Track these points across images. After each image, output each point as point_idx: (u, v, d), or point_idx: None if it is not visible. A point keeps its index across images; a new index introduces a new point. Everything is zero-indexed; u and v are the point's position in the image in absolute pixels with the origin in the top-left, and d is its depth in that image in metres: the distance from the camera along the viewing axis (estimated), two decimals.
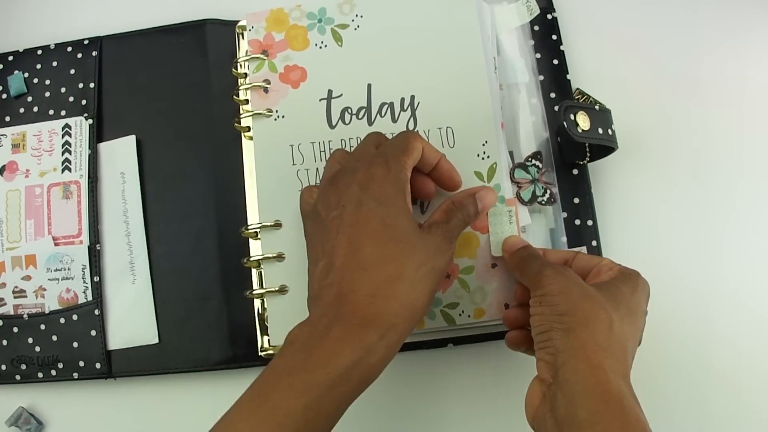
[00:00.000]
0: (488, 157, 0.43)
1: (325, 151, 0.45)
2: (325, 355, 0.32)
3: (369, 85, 0.45)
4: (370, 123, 0.45)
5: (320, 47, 0.46)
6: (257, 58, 0.46)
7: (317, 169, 0.44)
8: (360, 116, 0.45)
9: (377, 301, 0.33)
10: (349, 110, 0.45)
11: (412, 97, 0.45)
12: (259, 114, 0.46)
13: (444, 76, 0.45)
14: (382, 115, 0.45)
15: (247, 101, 0.47)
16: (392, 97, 0.45)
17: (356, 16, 0.46)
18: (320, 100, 0.46)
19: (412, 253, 0.34)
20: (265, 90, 0.46)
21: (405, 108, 0.45)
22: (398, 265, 0.34)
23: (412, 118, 0.45)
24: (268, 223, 0.44)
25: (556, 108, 0.46)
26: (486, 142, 0.44)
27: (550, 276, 0.35)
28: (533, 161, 0.46)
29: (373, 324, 0.33)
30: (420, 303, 0.34)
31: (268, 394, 0.32)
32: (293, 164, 0.45)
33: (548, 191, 0.46)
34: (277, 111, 0.46)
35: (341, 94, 0.45)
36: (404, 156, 0.37)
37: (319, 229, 0.36)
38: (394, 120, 0.45)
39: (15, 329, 0.47)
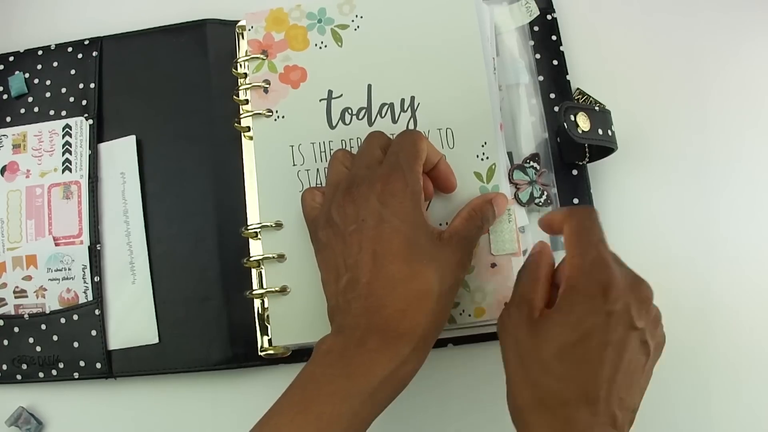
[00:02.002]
0: (487, 158, 0.43)
1: (325, 151, 0.45)
2: (365, 365, 0.34)
3: (369, 86, 0.45)
4: (371, 123, 0.45)
5: (320, 47, 0.46)
6: (257, 58, 0.46)
7: (317, 169, 0.45)
8: (360, 117, 0.45)
9: (408, 316, 0.35)
10: (350, 110, 0.45)
11: (412, 98, 0.45)
12: (259, 114, 0.46)
13: (444, 77, 0.45)
14: (383, 115, 0.45)
15: (247, 101, 0.47)
16: (392, 98, 0.45)
17: (356, 16, 0.46)
18: (320, 100, 0.46)
19: (436, 269, 0.35)
20: (265, 90, 0.46)
21: (405, 109, 0.45)
22: (425, 282, 0.35)
23: (412, 119, 0.45)
24: (269, 224, 0.44)
25: (556, 109, 0.46)
26: (485, 143, 0.44)
27: (498, 330, 0.36)
28: (531, 163, 0.46)
29: (405, 337, 0.34)
30: (445, 315, 0.37)
31: (311, 400, 0.33)
32: (293, 165, 0.45)
33: (545, 193, 0.46)
34: (277, 111, 0.46)
35: (341, 95, 0.45)
36: (417, 164, 0.37)
37: (337, 241, 0.37)
38: (394, 120, 0.45)
39: (16, 329, 0.48)
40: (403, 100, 0.45)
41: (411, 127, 0.45)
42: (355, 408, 0.33)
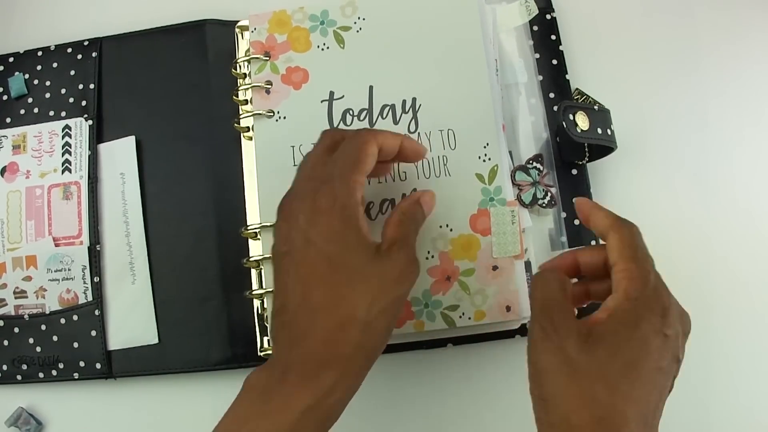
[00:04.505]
0: (489, 159, 0.43)
1: None
2: (283, 400, 0.32)
3: (371, 87, 0.45)
4: (372, 124, 0.45)
5: (322, 49, 0.46)
6: (259, 59, 0.46)
7: None
8: (361, 118, 0.45)
9: (330, 347, 0.32)
10: (351, 112, 0.45)
11: (414, 99, 0.45)
12: (261, 115, 0.46)
13: (446, 78, 0.45)
14: (384, 116, 0.45)
15: (246, 101, 0.47)
16: (394, 99, 0.45)
17: (358, 18, 0.46)
18: (322, 101, 0.46)
19: (365, 291, 0.33)
20: (267, 91, 0.46)
21: (406, 110, 0.45)
22: (349, 307, 0.32)
23: (413, 120, 0.45)
24: (270, 224, 0.44)
25: (555, 108, 0.46)
26: (487, 144, 0.44)
27: (534, 342, 0.33)
28: (534, 164, 0.46)
29: (328, 367, 0.32)
30: (376, 342, 0.34)
31: None
32: (294, 165, 0.45)
33: (549, 194, 0.46)
34: (278, 112, 0.46)
35: (343, 96, 0.45)
36: (355, 173, 0.34)
37: (274, 263, 0.35)
38: (395, 122, 0.45)
39: (16, 329, 0.48)
40: (404, 102, 0.45)
41: (412, 128, 0.45)
42: None
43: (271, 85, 0.46)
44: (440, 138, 0.44)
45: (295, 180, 0.36)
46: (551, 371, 0.31)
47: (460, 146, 0.44)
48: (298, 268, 0.33)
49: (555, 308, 0.33)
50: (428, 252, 0.43)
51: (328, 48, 0.46)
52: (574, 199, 0.39)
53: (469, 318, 0.42)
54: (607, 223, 0.35)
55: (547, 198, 0.45)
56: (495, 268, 0.42)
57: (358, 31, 0.46)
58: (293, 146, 0.45)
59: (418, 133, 0.44)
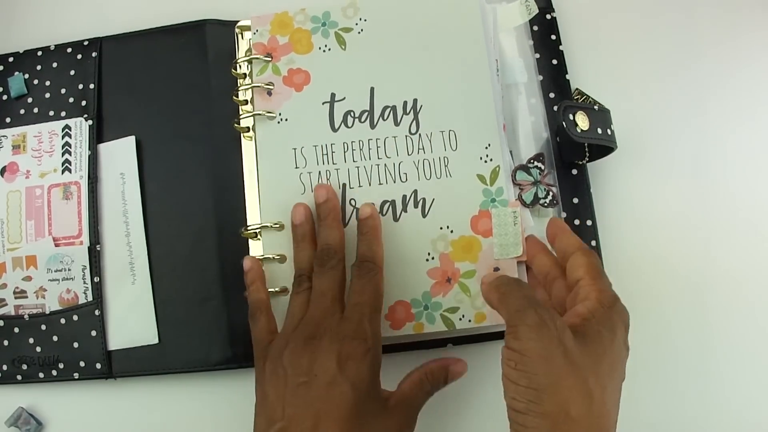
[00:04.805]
0: (491, 160, 0.43)
1: (327, 154, 0.45)
2: None
3: (372, 89, 0.45)
4: (373, 126, 0.45)
5: (324, 51, 0.46)
6: (261, 60, 0.46)
7: (319, 172, 0.45)
8: (363, 119, 0.45)
9: None
10: (352, 113, 0.45)
11: (415, 101, 0.45)
12: (263, 117, 0.46)
13: (447, 79, 0.45)
14: (385, 118, 0.45)
15: (246, 102, 0.47)
16: (395, 101, 0.45)
17: (360, 19, 0.46)
18: (323, 103, 0.46)
19: None
20: (269, 93, 0.46)
21: (407, 111, 0.45)
22: None
23: (414, 122, 0.45)
24: (271, 225, 0.44)
25: (555, 108, 0.46)
26: (489, 145, 0.44)
27: (531, 328, 0.32)
28: (535, 163, 0.46)
29: None
30: None
31: None
32: (296, 167, 0.45)
33: (550, 193, 0.45)
34: (280, 114, 0.46)
35: (344, 98, 0.45)
36: (378, 316, 0.38)
37: (280, 385, 0.36)
38: (396, 123, 0.45)
39: (16, 329, 0.48)
40: (405, 103, 0.45)
41: (413, 129, 0.44)
42: None
43: (273, 86, 0.46)
44: (441, 139, 0.44)
45: (309, 313, 0.38)
46: (549, 359, 0.31)
47: (461, 147, 0.44)
48: (314, 403, 0.34)
49: (540, 303, 0.33)
50: (428, 254, 0.43)
51: (329, 49, 0.46)
52: (550, 219, 0.41)
53: (470, 320, 0.42)
54: (576, 244, 0.37)
55: (549, 197, 0.45)
56: (496, 269, 0.42)
57: (359, 33, 0.46)
58: (294, 148, 0.45)
59: (419, 134, 0.44)
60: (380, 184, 0.44)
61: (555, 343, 0.31)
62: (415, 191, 0.44)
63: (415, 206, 0.43)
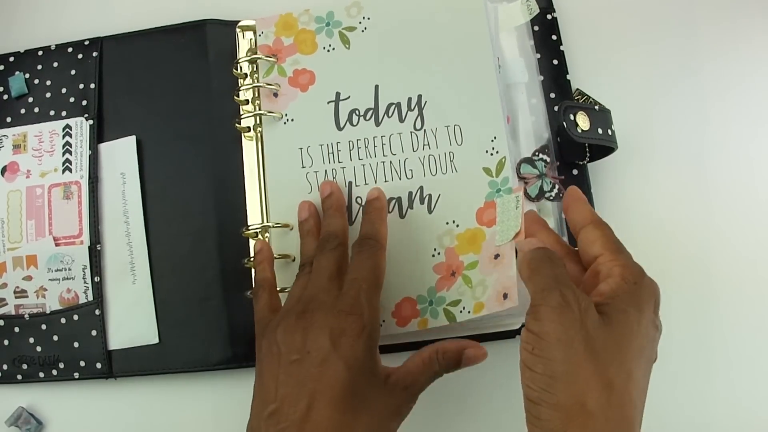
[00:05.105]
0: (497, 152, 0.43)
1: (333, 153, 0.45)
2: None
3: (376, 87, 0.45)
4: (378, 124, 0.45)
5: (328, 50, 0.46)
6: (266, 61, 0.46)
7: (325, 171, 0.45)
8: (368, 117, 0.45)
9: None
10: (357, 112, 0.45)
11: (419, 96, 0.45)
12: (269, 118, 0.46)
13: (452, 74, 0.45)
14: (390, 115, 0.45)
15: (247, 101, 0.47)
16: (399, 97, 0.45)
17: (363, 18, 0.46)
18: (328, 102, 0.46)
19: (369, 421, 0.33)
20: (275, 94, 0.46)
21: (412, 107, 0.45)
22: None
23: (419, 118, 0.45)
24: (273, 225, 0.44)
25: (556, 108, 0.46)
26: (495, 138, 0.43)
27: (553, 309, 0.29)
28: (540, 155, 0.45)
29: None
30: None
31: None
32: (302, 167, 0.45)
33: (556, 186, 0.45)
34: (286, 115, 0.46)
35: (349, 96, 0.46)
36: (377, 293, 0.36)
37: (274, 363, 0.35)
38: (401, 120, 0.45)
39: (16, 329, 0.48)
40: (410, 99, 0.45)
41: (418, 125, 0.44)
42: None
43: (279, 87, 0.46)
44: (446, 134, 0.44)
45: (306, 291, 0.37)
46: (568, 344, 0.28)
47: (466, 141, 0.44)
48: (307, 382, 0.33)
49: (567, 280, 0.31)
50: (434, 249, 0.43)
51: (333, 49, 0.46)
52: (569, 187, 0.38)
53: (468, 312, 0.41)
54: (588, 216, 0.35)
55: (555, 190, 0.45)
56: (496, 256, 0.41)
57: (363, 31, 0.46)
58: (301, 148, 0.45)
59: (424, 130, 0.44)
60: (386, 181, 0.44)
61: (577, 326, 0.29)
62: (421, 187, 0.44)
63: (421, 202, 0.43)
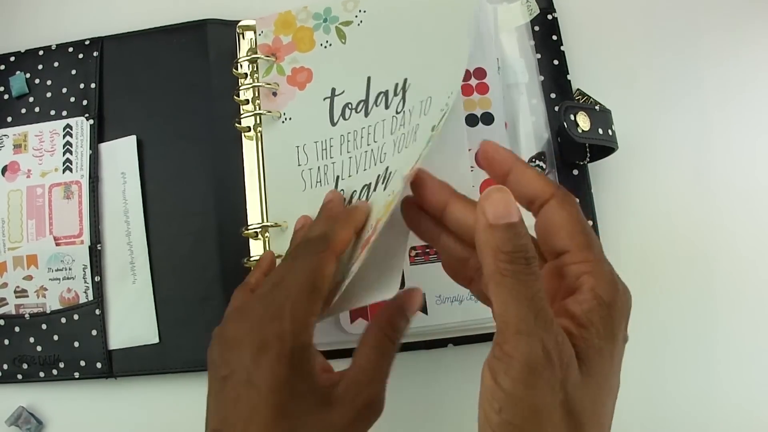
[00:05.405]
0: (449, 106, 0.36)
1: (326, 149, 0.45)
2: None
3: (369, 78, 0.45)
4: (367, 114, 0.44)
5: (325, 47, 0.46)
6: (265, 61, 0.46)
7: (318, 168, 0.44)
8: (358, 110, 0.44)
9: None
10: (350, 105, 0.45)
11: (405, 80, 0.42)
12: (269, 117, 0.46)
13: (433, 55, 0.40)
14: (378, 104, 0.44)
15: (247, 101, 0.47)
16: (387, 85, 0.43)
17: (360, 11, 0.46)
18: (324, 99, 0.45)
19: None
20: (274, 94, 0.46)
21: (397, 92, 0.42)
22: None
23: (402, 101, 0.42)
24: (272, 224, 0.44)
25: (557, 108, 0.46)
26: (451, 93, 0.36)
27: (529, 370, 0.23)
28: (537, 162, 0.46)
29: None
30: None
31: None
32: (298, 165, 0.45)
33: None
34: (284, 114, 0.46)
35: (343, 91, 0.45)
36: (309, 303, 0.30)
37: (211, 384, 0.31)
38: (387, 106, 0.42)
39: (16, 329, 0.48)
40: (396, 85, 0.42)
41: (399, 108, 0.41)
42: None
43: (278, 87, 0.46)
44: (420, 108, 0.39)
45: (257, 294, 0.33)
46: (545, 414, 0.24)
47: (432, 109, 0.37)
48: (238, 404, 0.29)
49: (551, 321, 0.24)
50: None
51: (330, 45, 0.46)
52: (481, 142, 0.30)
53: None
54: (545, 190, 0.27)
55: None
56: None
57: (359, 25, 0.46)
58: (297, 146, 0.45)
59: (404, 111, 0.41)
60: (365, 170, 0.42)
61: (556, 389, 0.24)
62: (386, 168, 0.39)
63: (383, 182, 0.38)
